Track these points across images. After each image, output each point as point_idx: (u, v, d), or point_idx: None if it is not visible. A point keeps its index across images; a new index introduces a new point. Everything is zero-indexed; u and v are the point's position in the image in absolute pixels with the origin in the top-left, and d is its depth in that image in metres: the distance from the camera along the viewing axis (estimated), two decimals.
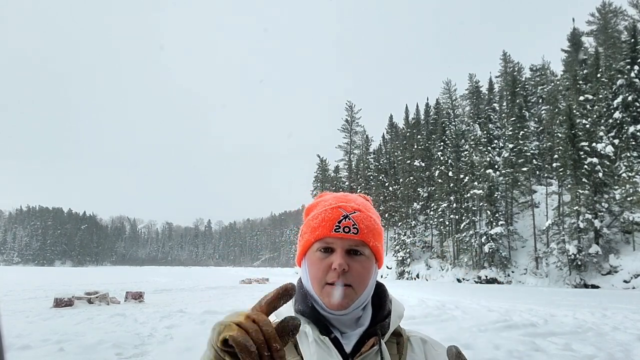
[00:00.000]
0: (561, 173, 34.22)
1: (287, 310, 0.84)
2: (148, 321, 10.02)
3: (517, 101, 47.05)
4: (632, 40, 34.91)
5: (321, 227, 0.82)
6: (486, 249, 38.20)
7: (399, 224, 54.88)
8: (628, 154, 30.82)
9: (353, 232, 0.81)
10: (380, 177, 62.49)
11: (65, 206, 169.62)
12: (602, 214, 30.62)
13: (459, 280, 40.71)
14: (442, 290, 25.05)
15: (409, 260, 49.60)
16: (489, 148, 44.21)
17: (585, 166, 31.14)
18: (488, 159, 42.16)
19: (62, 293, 14.84)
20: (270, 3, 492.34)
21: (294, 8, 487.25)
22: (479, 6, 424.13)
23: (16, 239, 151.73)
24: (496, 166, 41.84)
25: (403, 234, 51.54)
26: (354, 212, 0.83)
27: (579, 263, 30.15)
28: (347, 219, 0.82)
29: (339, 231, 0.81)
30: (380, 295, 0.87)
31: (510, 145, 41.57)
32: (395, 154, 66.33)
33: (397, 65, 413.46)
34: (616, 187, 30.34)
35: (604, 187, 31.21)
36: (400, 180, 58.19)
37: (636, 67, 33.55)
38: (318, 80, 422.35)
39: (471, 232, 40.48)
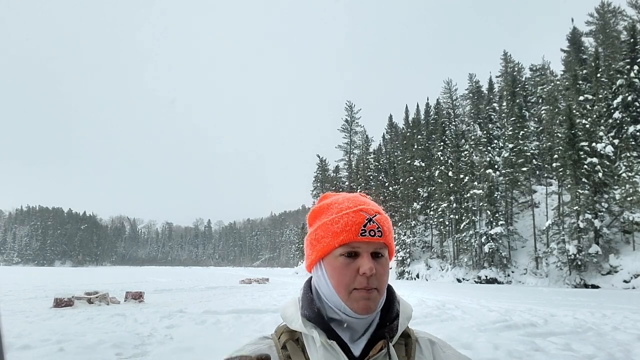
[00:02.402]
0: (561, 173, 34.21)
1: (292, 313, 0.83)
2: (148, 321, 10.03)
3: (517, 101, 47.03)
4: (632, 40, 34.89)
5: (345, 232, 0.80)
6: (486, 249, 38.19)
7: (399, 224, 54.84)
8: (628, 154, 30.79)
9: (378, 235, 0.81)
10: (380, 177, 62.48)
11: (65, 206, 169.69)
12: (602, 213, 30.60)
13: (458, 280, 40.70)
14: (442, 290, 25.04)
15: (408, 260, 49.61)
16: (489, 148, 44.20)
17: (585, 166, 31.13)
18: (488, 159, 42.15)
19: (62, 293, 14.84)
20: (271, 4, 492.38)
21: (294, 9, 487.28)
22: (480, 6, 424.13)
23: (16, 239, 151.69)
24: (496, 166, 41.83)
25: (403, 234, 51.54)
26: (376, 215, 0.83)
27: (579, 263, 30.14)
28: (371, 222, 0.81)
29: (365, 235, 0.80)
30: (388, 297, 0.86)
31: (510, 145, 41.56)
32: (395, 154, 66.35)
33: (397, 65, 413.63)
34: (616, 187, 30.32)
35: (603, 187, 31.20)
36: (400, 180, 58.18)
37: (636, 67, 33.53)
38: (318, 80, 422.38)
39: (471, 232, 40.46)
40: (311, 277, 0.89)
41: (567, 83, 45.30)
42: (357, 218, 0.81)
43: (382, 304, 0.82)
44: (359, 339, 0.80)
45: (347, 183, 69.78)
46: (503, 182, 41.66)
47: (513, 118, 43.59)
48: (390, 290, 0.87)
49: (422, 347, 0.84)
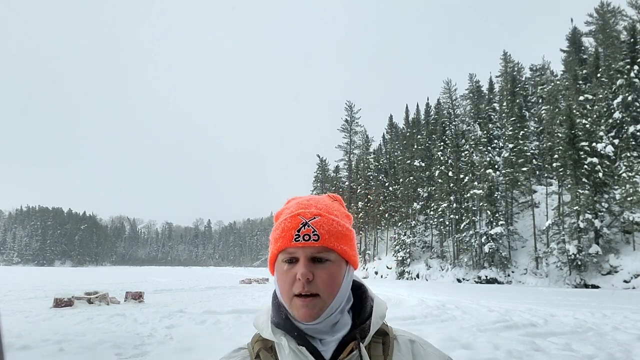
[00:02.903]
0: (561, 173, 34.22)
1: (264, 321, 0.82)
2: (148, 321, 10.03)
3: (517, 101, 47.02)
4: (632, 40, 34.89)
5: (282, 238, 0.80)
6: (486, 249, 38.19)
7: (399, 224, 54.84)
8: (628, 154, 30.79)
9: (313, 239, 0.78)
10: (380, 177, 62.45)
11: (65, 206, 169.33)
12: (602, 213, 30.61)
13: (459, 280, 40.71)
14: (442, 290, 25.05)
15: (409, 260, 49.60)
16: (489, 148, 44.20)
17: (585, 166, 31.13)
18: (488, 158, 42.15)
19: (61, 293, 14.85)
20: (271, 4, 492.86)
21: (294, 9, 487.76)
22: (480, 6, 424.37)
23: (16, 239, 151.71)
24: (496, 166, 41.83)
25: (403, 234, 51.55)
26: (314, 218, 0.80)
27: (579, 263, 30.15)
28: (306, 227, 0.79)
29: (299, 240, 0.78)
30: (360, 297, 0.84)
31: (510, 145, 41.56)
32: (395, 154, 66.34)
33: (397, 65, 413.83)
34: (616, 187, 30.33)
35: (604, 187, 31.21)
36: (400, 180, 58.17)
37: (636, 67, 33.53)
38: (318, 80, 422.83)
39: (471, 232, 40.47)
40: None
41: (567, 83, 45.33)
42: (293, 223, 0.80)
43: (337, 308, 0.79)
44: (329, 342, 0.78)
45: (347, 183, 69.75)
46: (503, 182, 41.67)
47: (513, 118, 43.60)
48: (362, 289, 0.85)
49: (401, 345, 0.82)
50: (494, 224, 38.86)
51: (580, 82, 40.27)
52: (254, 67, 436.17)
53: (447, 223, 46.97)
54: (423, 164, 54.62)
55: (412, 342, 0.84)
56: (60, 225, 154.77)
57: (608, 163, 31.43)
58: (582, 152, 31.77)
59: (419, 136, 59.61)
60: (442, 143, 51.05)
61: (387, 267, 52.98)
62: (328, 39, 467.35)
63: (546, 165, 40.84)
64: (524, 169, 40.35)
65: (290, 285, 0.78)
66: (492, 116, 54.20)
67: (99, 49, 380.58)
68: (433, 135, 57.35)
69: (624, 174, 29.48)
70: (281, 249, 0.80)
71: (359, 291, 0.85)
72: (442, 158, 48.48)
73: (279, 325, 0.79)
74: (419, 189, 54.41)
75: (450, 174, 45.63)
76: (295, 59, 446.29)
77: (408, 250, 49.97)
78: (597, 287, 28.73)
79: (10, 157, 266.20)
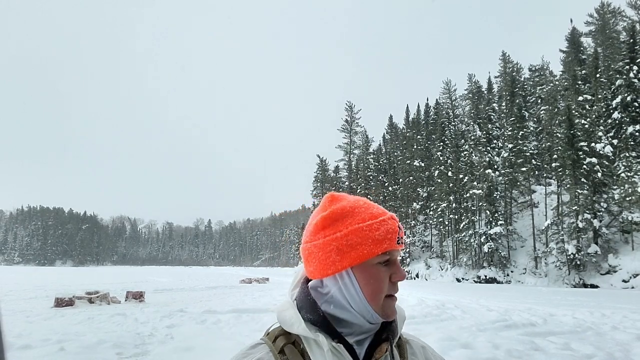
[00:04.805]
0: (560, 173, 34.25)
1: (292, 316, 0.81)
2: (148, 321, 10.06)
3: (517, 101, 47.07)
4: (631, 40, 34.92)
5: (387, 240, 0.79)
6: (485, 248, 38.23)
7: (399, 224, 54.79)
8: (627, 154, 30.83)
9: (403, 242, 0.84)
10: (380, 177, 62.48)
11: (66, 206, 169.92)
12: (601, 213, 30.64)
13: (458, 280, 40.73)
14: (442, 290, 25.07)
15: (408, 259, 49.65)
16: (488, 148, 44.23)
17: (584, 166, 31.16)
18: (487, 159, 42.17)
19: (62, 293, 14.87)
20: (271, 4, 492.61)
21: (295, 9, 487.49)
22: (480, 6, 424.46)
23: (17, 238, 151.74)
24: (495, 166, 41.86)
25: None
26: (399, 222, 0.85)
27: (578, 263, 30.18)
28: (400, 230, 0.83)
29: (400, 242, 0.83)
30: None
31: (510, 145, 41.60)
32: (395, 154, 66.37)
33: (397, 65, 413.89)
34: (615, 187, 30.36)
35: (602, 187, 31.23)
36: (400, 180, 58.22)
37: (635, 68, 33.55)
38: (318, 81, 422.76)
39: (470, 231, 40.49)
40: (307, 280, 0.85)
41: (566, 83, 45.37)
42: (394, 225, 0.82)
43: None
44: (362, 342, 0.80)
45: (347, 183, 69.73)
46: (502, 182, 41.70)
47: (512, 118, 43.63)
48: None
49: (415, 349, 0.88)
50: (493, 223, 38.89)
51: (580, 82, 40.32)
52: (254, 68, 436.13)
53: (446, 223, 47.01)
54: (423, 164, 54.64)
55: (423, 348, 0.90)
56: (61, 225, 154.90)
57: (607, 163, 31.45)
58: (581, 152, 31.80)
59: (418, 136, 59.67)
60: (441, 143, 51.07)
61: None
62: (328, 39, 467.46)
63: (545, 165, 40.86)
64: (523, 169, 40.38)
65: (386, 286, 0.81)
66: (492, 116, 54.23)
67: (99, 49, 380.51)
68: (432, 136, 57.40)
69: (622, 174, 29.51)
70: (386, 251, 0.80)
71: None
72: (441, 158, 48.50)
73: (315, 323, 0.79)
74: (418, 189, 54.44)
75: (449, 174, 45.65)
76: (295, 59, 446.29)
77: (407, 250, 50.01)
78: (596, 286, 28.75)
79: (10, 157, 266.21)
